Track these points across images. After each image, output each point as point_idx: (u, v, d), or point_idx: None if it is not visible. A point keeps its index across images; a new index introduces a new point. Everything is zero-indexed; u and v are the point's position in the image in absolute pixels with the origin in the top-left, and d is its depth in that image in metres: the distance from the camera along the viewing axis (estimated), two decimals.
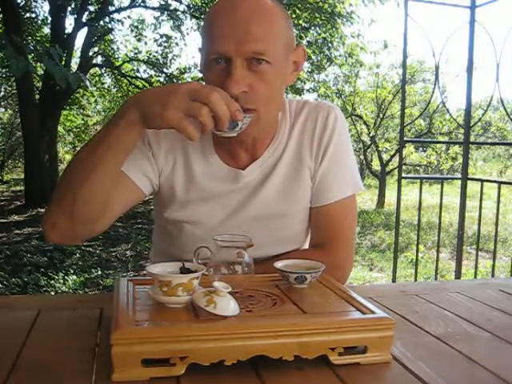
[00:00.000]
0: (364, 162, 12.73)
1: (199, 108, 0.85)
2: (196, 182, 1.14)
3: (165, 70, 11.35)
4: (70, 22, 14.16)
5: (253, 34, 0.96)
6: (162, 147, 1.13)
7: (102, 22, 10.05)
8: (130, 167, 1.07)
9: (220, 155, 1.15)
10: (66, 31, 9.62)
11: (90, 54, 10.55)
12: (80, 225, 1.02)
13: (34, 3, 10.43)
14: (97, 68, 11.93)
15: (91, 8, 10.08)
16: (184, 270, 0.83)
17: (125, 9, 10.62)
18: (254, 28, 0.96)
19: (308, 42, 9.70)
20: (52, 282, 4.61)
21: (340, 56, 10.65)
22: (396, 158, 11.29)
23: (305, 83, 10.81)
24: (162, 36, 11.32)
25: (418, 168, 14.12)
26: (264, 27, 0.98)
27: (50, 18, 9.85)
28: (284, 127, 1.17)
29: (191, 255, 0.95)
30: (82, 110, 15.11)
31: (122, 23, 11.25)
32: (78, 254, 5.65)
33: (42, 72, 9.41)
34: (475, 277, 3.41)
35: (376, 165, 13.02)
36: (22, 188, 10.51)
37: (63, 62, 7.80)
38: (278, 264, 0.95)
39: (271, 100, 1.03)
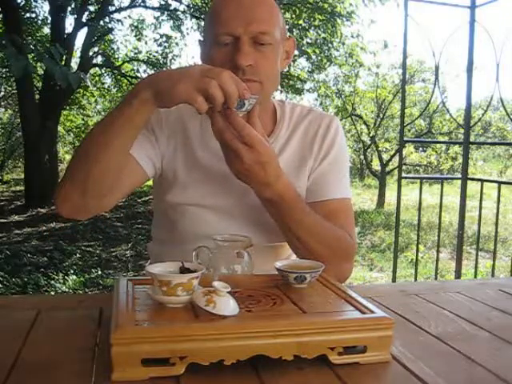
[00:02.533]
0: (364, 161, 12.73)
1: (209, 81, 0.89)
2: (196, 163, 1.18)
3: (165, 70, 11.33)
4: (70, 22, 14.18)
5: (258, 16, 1.07)
6: (164, 132, 1.18)
7: (102, 22, 10.05)
8: (135, 149, 1.11)
9: None
10: (66, 31, 9.62)
11: (90, 53, 10.54)
12: (91, 199, 1.06)
13: (34, 3, 10.43)
14: (97, 68, 11.93)
15: (91, 8, 10.07)
16: (183, 270, 0.83)
17: (125, 9, 10.61)
18: (259, 11, 1.08)
19: (308, 42, 9.70)
20: (52, 282, 4.61)
21: (340, 56, 10.65)
22: (396, 158, 11.29)
23: (305, 83, 10.82)
24: (161, 36, 11.31)
25: (417, 168, 14.11)
26: (266, 11, 1.09)
27: (49, 18, 9.85)
28: (282, 125, 1.23)
29: (192, 243, 0.96)
30: (82, 110, 15.10)
31: (122, 23, 11.29)
32: (77, 254, 5.64)
33: (42, 72, 9.41)
34: (475, 277, 3.41)
35: (376, 165, 13.02)
36: (22, 188, 10.51)
37: (63, 62, 7.80)
38: (278, 264, 0.95)
39: (271, 76, 1.12)
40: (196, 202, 1.17)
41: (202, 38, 1.19)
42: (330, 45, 9.87)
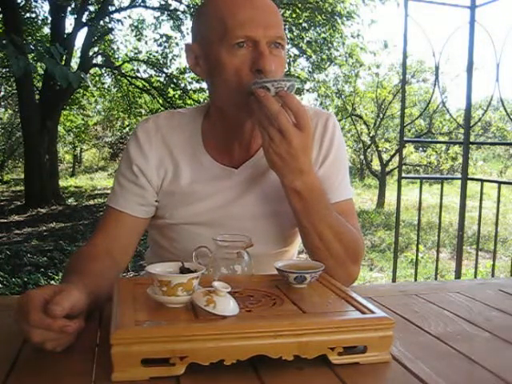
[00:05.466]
0: (364, 161, 12.74)
1: None
2: (187, 183, 1.14)
3: (165, 69, 11.35)
4: (70, 22, 14.19)
5: (273, 20, 1.04)
6: (151, 163, 1.14)
7: (101, 22, 10.05)
8: (127, 206, 1.13)
9: (211, 154, 1.15)
10: (66, 31, 9.63)
11: (90, 54, 10.55)
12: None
13: (34, 3, 10.44)
14: (97, 68, 11.94)
15: (91, 8, 10.09)
16: (184, 270, 0.83)
17: (125, 9, 10.63)
18: (273, 14, 1.04)
19: (308, 41, 9.71)
20: (52, 282, 4.61)
21: (340, 56, 10.65)
22: (396, 158, 11.29)
23: (305, 83, 10.81)
24: (162, 36, 11.31)
25: (417, 168, 14.12)
26: (277, 14, 1.06)
27: (50, 18, 9.87)
28: None
29: (190, 259, 0.95)
30: (82, 110, 15.13)
31: (122, 23, 11.26)
32: None
33: (42, 72, 9.42)
34: (475, 277, 3.41)
35: (376, 165, 13.03)
36: (22, 188, 10.52)
37: (63, 62, 7.80)
38: (278, 264, 0.95)
39: None
40: (190, 220, 1.15)
41: (190, 42, 1.11)
42: (330, 45, 9.88)
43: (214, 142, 1.15)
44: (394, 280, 3.25)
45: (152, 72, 11.74)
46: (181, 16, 10.38)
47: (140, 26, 12.06)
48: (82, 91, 12.56)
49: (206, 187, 1.14)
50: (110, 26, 10.45)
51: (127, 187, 1.13)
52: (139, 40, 12.28)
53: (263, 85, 0.94)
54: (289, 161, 0.97)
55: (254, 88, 0.95)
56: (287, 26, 9.28)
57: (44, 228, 7.37)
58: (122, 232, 1.13)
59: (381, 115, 12.41)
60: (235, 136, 1.13)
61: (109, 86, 13.78)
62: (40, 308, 0.75)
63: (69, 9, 9.42)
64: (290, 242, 1.23)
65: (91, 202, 10.47)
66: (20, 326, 0.76)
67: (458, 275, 3.25)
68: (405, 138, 3.23)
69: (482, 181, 3.15)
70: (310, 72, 10.62)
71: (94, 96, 14.35)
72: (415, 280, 3.32)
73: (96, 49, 11.28)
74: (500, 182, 3.16)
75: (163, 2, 10.15)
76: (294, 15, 9.30)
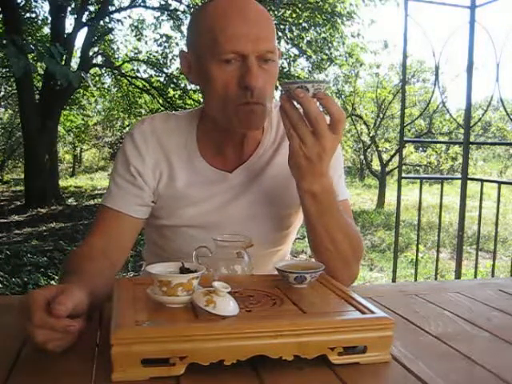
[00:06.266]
0: (364, 161, 12.74)
1: None
2: (182, 186, 1.14)
3: (165, 69, 11.35)
4: (70, 22, 14.18)
5: (264, 33, 1.01)
6: (148, 165, 1.13)
7: (102, 22, 10.05)
8: (125, 206, 1.12)
9: (206, 158, 1.15)
10: (66, 31, 9.63)
11: (90, 53, 10.55)
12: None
13: (33, 3, 10.44)
14: (97, 68, 11.94)
15: (91, 8, 10.08)
16: (184, 270, 0.83)
17: (125, 9, 10.63)
18: (264, 28, 1.02)
19: (308, 41, 9.71)
20: (52, 282, 4.61)
21: (340, 56, 10.66)
22: (396, 158, 11.30)
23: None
24: (162, 36, 11.31)
25: (417, 168, 14.13)
26: (270, 28, 1.04)
27: (50, 18, 9.87)
28: (271, 132, 1.18)
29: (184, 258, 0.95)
30: (82, 110, 15.13)
31: (122, 23, 11.26)
32: None
33: (42, 72, 9.42)
34: (475, 277, 3.41)
35: (376, 165, 13.04)
36: (22, 188, 10.52)
37: (63, 62, 7.80)
38: (278, 264, 0.95)
39: (272, 95, 1.08)
40: (186, 223, 1.15)
41: (185, 49, 1.11)
42: (330, 45, 9.88)
43: (209, 146, 1.15)
44: (393, 280, 3.25)
45: (152, 72, 11.74)
46: (181, 16, 10.37)
47: (140, 25, 12.06)
48: (82, 91, 12.57)
49: (200, 191, 1.14)
50: (110, 26, 10.45)
51: (125, 187, 1.13)
52: (139, 40, 12.28)
53: (302, 85, 0.91)
54: (315, 164, 0.94)
55: (291, 87, 0.92)
56: (287, 26, 9.29)
57: (44, 228, 7.37)
58: (119, 232, 1.13)
59: (381, 115, 12.42)
60: (228, 141, 1.13)
61: (109, 86, 13.79)
62: (43, 308, 0.75)
63: (69, 9, 9.41)
64: (283, 242, 1.24)
65: (91, 202, 10.46)
66: (23, 326, 0.76)
67: (458, 275, 3.25)
68: (405, 138, 3.23)
69: (482, 181, 3.15)
70: (309, 72, 10.61)
71: (94, 96, 14.35)
72: (415, 280, 3.32)
73: (96, 49, 11.28)
74: (500, 182, 3.16)
75: (163, 2, 10.15)
76: (294, 15, 9.30)
